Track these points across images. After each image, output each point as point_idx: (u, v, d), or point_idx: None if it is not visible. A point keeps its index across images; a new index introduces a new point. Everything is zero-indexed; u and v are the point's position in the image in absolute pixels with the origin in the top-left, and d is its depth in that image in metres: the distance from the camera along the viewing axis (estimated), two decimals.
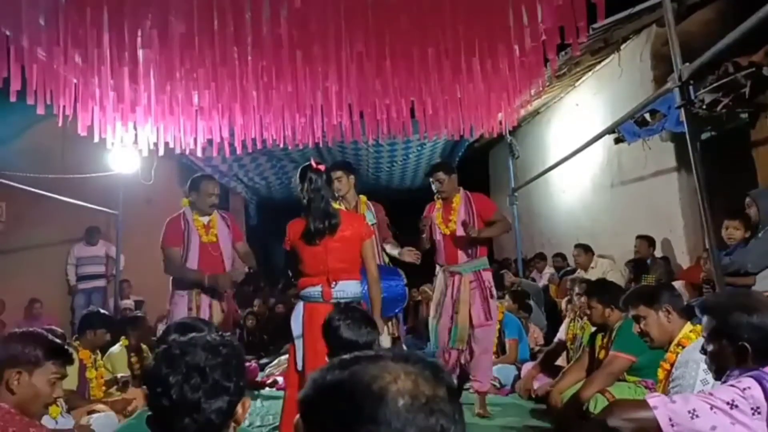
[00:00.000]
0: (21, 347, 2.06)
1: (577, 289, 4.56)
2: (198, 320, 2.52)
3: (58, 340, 2.22)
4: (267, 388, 5.61)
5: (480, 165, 11.23)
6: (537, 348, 5.75)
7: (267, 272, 11.24)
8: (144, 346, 4.98)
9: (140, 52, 3.83)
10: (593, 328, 3.89)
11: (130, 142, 5.28)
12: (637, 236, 6.06)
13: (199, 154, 5.59)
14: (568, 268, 7.25)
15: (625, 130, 6.11)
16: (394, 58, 4.14)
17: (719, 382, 2.13)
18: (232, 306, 4.26)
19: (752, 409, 1.58)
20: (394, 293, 3.84)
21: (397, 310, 4.17)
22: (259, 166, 8.96)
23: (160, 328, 6.35)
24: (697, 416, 1.60)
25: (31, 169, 6.26)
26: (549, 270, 7.94)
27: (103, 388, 4.22)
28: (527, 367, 4.85)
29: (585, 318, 4.19)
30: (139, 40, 3.64)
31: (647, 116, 5.76)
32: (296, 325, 3.24)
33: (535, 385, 4.49)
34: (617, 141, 6.74)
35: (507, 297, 5.95)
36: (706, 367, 2.21)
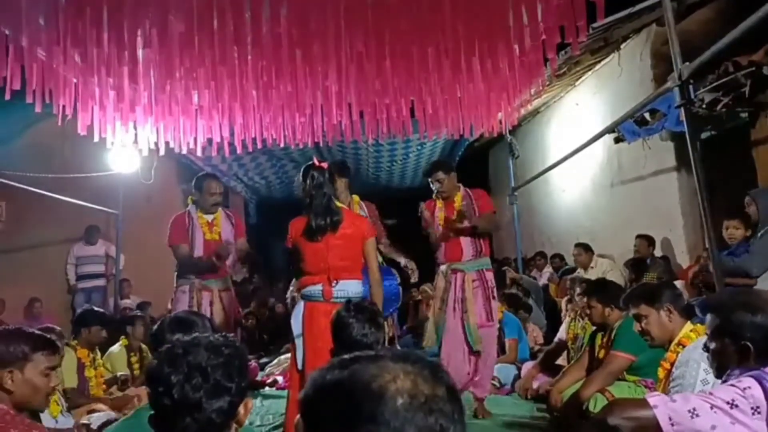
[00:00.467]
0: (5, 346, 2.05)
1: (578, 289, 4.55)
2: (192, 313, 2.52)
3: (38, 332, 2.22)
4: (267, 388, 5.61)
5: (480, 164, 11.23)
6: (537, 347, 5.74)
7: (266, 272, 11.24)
8: (144, 346, 4.98)
9: (140, 52, 3.83)
10: (593, 328, 3.89)
11: (130, 141, 5.29)
12: (637, 235, 6.05)
13: (198, 153, 5.60)
14: (568, 267, 7.25)
15: (625, 129, 6.11)
16: (394, 58, 4.13)
17: (720, 382, 2.13)
18: (234, 305, 4.27)
19: (752, 408, 1.58)
20: (387, 293, 3.82)
21: (391, 310, 4.15)
22: (258, 165, 8.96)
23: None
24: (697, 415, 1.60)
25: (31, 169, 6.26)
26: (549, 269, 7.94)
27: (103, 387, 4.22)
28: (527, 366, 4.85)
29: (585, 318, 4.18)
30: (138, 39, 3.64)
31: (647, 115, 5.75)
32: (296, 324, 3.23)
33: (535, 384, 4.48)
34: (617, 140, 6.73)
35: (503, 301, 5.87)
36: (706, 366, 2.21)
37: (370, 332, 2.40)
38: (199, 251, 4.08)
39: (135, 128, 5.05)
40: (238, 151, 5.65)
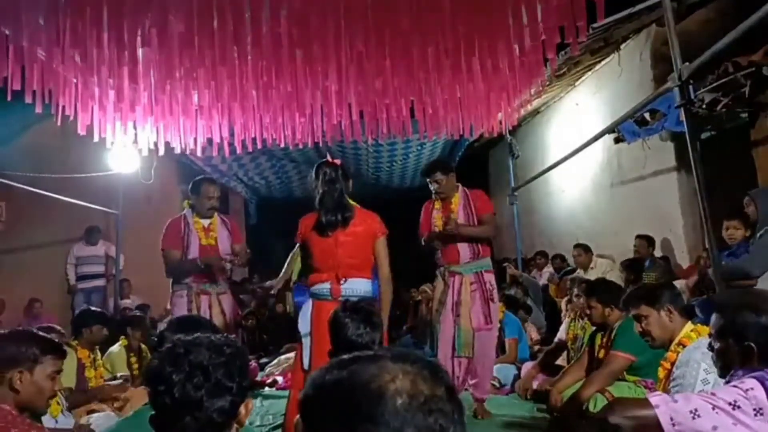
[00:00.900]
0: (17, 347, 2.10)
1: (576, 290, 4.55)
2: (199, 317, 2.53)
3: (49, 336, 2.27)
4: (267, 388, 5.61)
5: (480, 164, 11.23)
6: (536, 348, 5.74)
7: (266, 272, 11.23)
8: (144, 347, 4.98)
9: (140, 52, 3.83)
10: (593, 328, 3.89)
11: (129, 141, 5.28)
12: (637, 236, 6.06)
13: (198, 153, 5.60)
14: (568, 268, 7.25)
15: (624, 129, 6.11)
16: (394, 58, 4.13)
17: (722, 382, 2.13)
18: (233, 307, 4.25)
19: (755, 410, 1.57)
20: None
21: None
22: (258, 165, 8.96)
23: (161, 327, 6.35)
24: (698, 416, 1.60)
25: (31, 169, 6.26)
26: (549, 269, 7.94)
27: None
28: (527, 366, 4.85)
29: (585, 318, 4.18)
30: (138, 39, 3.64)
31: (647, 116, 5.75)
32: (304, 323, 3.20)
33: (535, 384, 4.48)
34: (617, 140, 6.74)
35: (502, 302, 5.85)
36: (707, 366, 2.21)
37: (365, 332, 2.37)
38: (194, 256, 4.03)
39: (135, 128, 5.05)
40: (238, 151, 5.65)
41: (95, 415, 3.51)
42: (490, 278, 4.19)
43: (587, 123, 7.32)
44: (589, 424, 2.05)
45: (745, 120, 5.42)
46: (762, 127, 5.30)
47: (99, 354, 4.34)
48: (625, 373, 3.41)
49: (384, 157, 8.78)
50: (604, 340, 3.62)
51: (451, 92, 4.99)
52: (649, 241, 5.98)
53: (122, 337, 4.95)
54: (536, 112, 8.99)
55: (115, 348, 4.89)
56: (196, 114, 4.99)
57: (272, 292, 3.61)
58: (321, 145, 5.69)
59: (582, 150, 5.80)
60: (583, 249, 6.62)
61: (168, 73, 4.13)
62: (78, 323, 4.17)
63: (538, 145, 9.15)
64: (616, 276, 5.94)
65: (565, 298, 5.61)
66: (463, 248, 4.15)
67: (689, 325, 2.50)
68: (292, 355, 6.25)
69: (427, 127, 5.40)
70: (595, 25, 5.01)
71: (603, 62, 7.12)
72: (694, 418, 1.60)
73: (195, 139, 5.32)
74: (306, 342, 3.15)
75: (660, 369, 2.55)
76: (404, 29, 3.76)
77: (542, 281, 7.71)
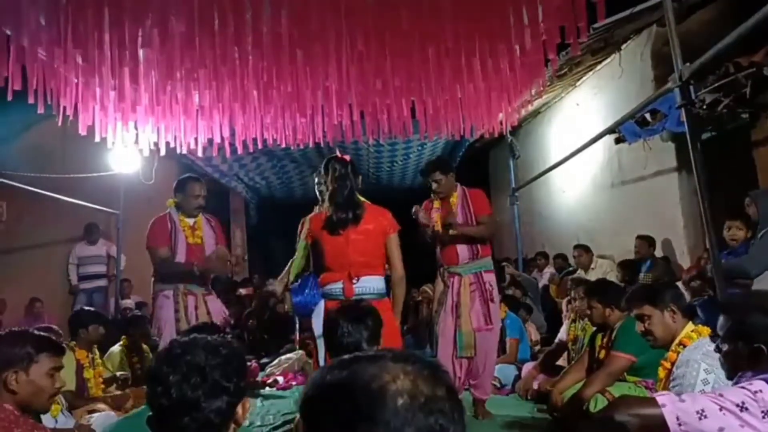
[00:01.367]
0: (10, 347, 2.08)
1: (573, 293, 4.55)
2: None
3: (44, 333, 2.25)
4: (267, 388, 5.61)
5: (480, 165, 11.24)
6: (537, 348, 5.74)
7: (267, 272, 11.24)
8: (145, 346, 4.99)
9: (141, 52, 3.84)
10: (594, 328, 3.89)
11: (131, 141, 5.29)
12: (637, 236, 6.06)
13: (199, 154, 5.60)
14: (569, 269, 7.25)
15: (625, 130, 6.11)
16: (395, 58, 4.14)
17: (722, 382, 2.13)
18: (219, 308, 4.16)
19: (762, 412, 1.56)
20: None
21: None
22: (259, 165, 8.97)
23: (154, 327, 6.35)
24: (705, 417, 1.59)
25: (32, 169, 6.26)
26: (549, 269, 7.94)
27: (102, 386, 4.22)
28: (528, 367, 4.85)
29: (586, 319, 4.18)
30: (139, 39, 3.65)
31: (648, 116, 5.75)
32: (318, 324, 3.15)
33: (536, 385, 4.48)
34: (618, 141, 6.74)
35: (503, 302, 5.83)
36: (707, 366, 2.21)
37: (352, 332, 2.32)
38: (181, 255, 3.93)
39: (136, 128, 5.06)
40: (239, 151, 5.66)
41: (95, 415, 3.51)
42: (489, 279, 4.15)
43: (588, 123, 7.32)
44: (594, 419, 2.04)
45: (745, 120, 5.42)
46: (763, 128, 5.31)
47: (98, 354, 4.33)
48: (625, 373, 3.41)
49: (385, 158, 8.80)
50: (605, 340, 3.62)
51: (452, 92, 4.99)
52: (649, 241, 5.98)
53: (123, 337, 4.96)
54: (537, 112, 8.99)
55: (116, 348, 4.90)
56: (197, 114, 4.99)
57: (279, 297, 3.53)
58: (322, 145, 5.68)
59: (583, 150, 5.80)
60: (584, 249, 6.63)
61: (169, 73, 4.13)
62: (74, 324, 4.14)
63: (538, 145, 9.15)
64: (616, 276, 5.95)
65: (566, 299, 5.61)
66: (462, 249, 4.12)
67: (690, 326, 2.50)
68: (292, 355, 6.26)
69: (428, 127, 5.40)
70: (595, 25, 5.01)
71: (604, 62, 7.12)
72: (700, 418, 1.59)
73: (196, 139, 5.33)
74: (320, 343, 3.09)
75: (660, 369, 2.55)
76: (405, 30, 3.76)
77: (543, 282, 7.71)
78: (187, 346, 1.37)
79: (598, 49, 6.59)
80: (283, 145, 5.58)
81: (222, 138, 5.28)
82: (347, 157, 3.31)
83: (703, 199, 3.14)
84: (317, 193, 3.39)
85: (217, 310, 4.07)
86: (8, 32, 3.50)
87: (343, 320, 2.36)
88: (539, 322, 6.50)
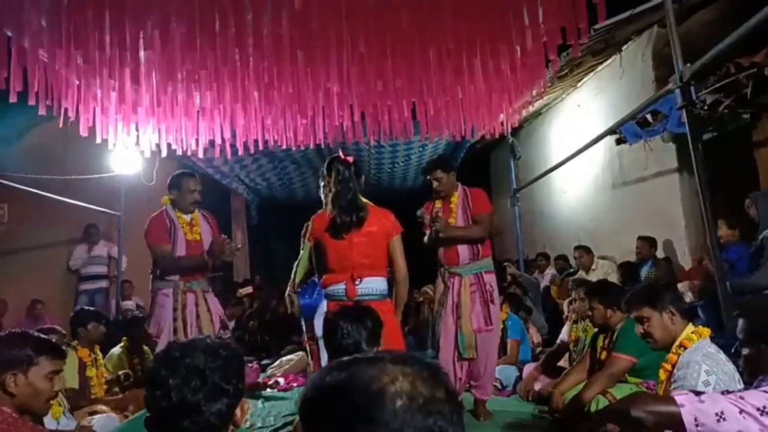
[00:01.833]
0: (10, 349, 2.07)
1: (574, 294, 4.54)
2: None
3: (45, 336, 2.23)
4: (268, 389, 5.61)
5: (481, 166, 11.24)
6: (538, 350, 5.73)
7: (268, 272, 11.25)
8: (146, 348, 4.98)
9: (142, 53, 3.84)
10: (595, 330, 3.89)
11: (132, 143, 5.29)
12: (639, 237, 6.05)
13: (200, 155, 5.61)
14: (570, 270, 7.25)
15: (626, 130, 6.11)
16: (396, 59, 4.14)
17: (723, 384, 2.12)
18: (217, 306, 4.14)
19: None
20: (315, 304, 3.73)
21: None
22: (260, 166, 8.98)
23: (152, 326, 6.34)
24: (724, 419, 1.57)
25: (34, 171, 6.27)
26: (551, 271, 7.93)
27: (105, 386, 4.22)
28: (529, 368, 4.84)
29: (587, 320, 4.17)
30: (140, 41, 3.65)
31: (649, 117, 5.75)
32: (320, 325, 3.11)
33: (537, 386, 4.47)
34: (619, 142, 6.73)
35: (505, 302, 5.81)
36: (707, 368, 2.21)
37: (353, 331, 2.32)
38: (181, 252, 3.88)
39: (137, 130, 5.07)
40: (240, 152, 5.66)
41: (97, 416, 3.51)
42: (490, 279, 4.12)
43: (589, 124, 7.32)
44: (609, 412, 2.01)
45: (746, 121, 5.42)
46: (764, 129, 5.30)
47: (100, 354, 4.34)
48: (627, 375, 3.40)
49: (386, 159, 8.80)
50: (606, 341, 3.62)
51: (453, 93, 5.00)
52: (650, 242, 5.98)
53: (124, 338, 4.96)
54: (538, 113, 8.99)
55: (117, 349, 4.90)
56: (198, 115, 5.00)
57: (295, 311, 3.49)
58: (323, 146, 5.68)
59: (584, 151, 5.80)
60: (585, 250, 6.62)
61: (170, 74, 4.14)
62: (74, 323, 4.16)
63: (539, 146, 9.15)
64: (617, 277, 5.94)
65: (567, 300, 5.60)
66: (462, 249, 4.08)
67: (690, 327, 2.50)
68: (293, 356, 6.25)
69: (429, 128, 5.40)
70: (596, 26, 5.02)
71: (605, 63, 7.12)
72: (719, 420, 1.57)
73: (197, 141, 5.33)
74: (322, 344, 3.11)
75: (661, 371, 2.55)
76: (406, 31, 3.76)
77: (544, 283, 7.70)
78: (186, 348, 1.37)
79: (599, 50, 6.60)
80: (284, 146, 5.58)
81: (223, 139, 5.28)
82: (350, 158, 3.28)
83: (704, 200, 3.14)
84: (322, 195, 3.35)
85: (216, 308, 4.04)
86: (9, 33, 3.50)
87: (342, 321, 2.36)
88: (540, 323, 6.49)
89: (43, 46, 3.67)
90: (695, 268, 5.50)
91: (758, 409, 1.55)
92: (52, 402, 2.24)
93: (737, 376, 2.21)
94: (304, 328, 3.35)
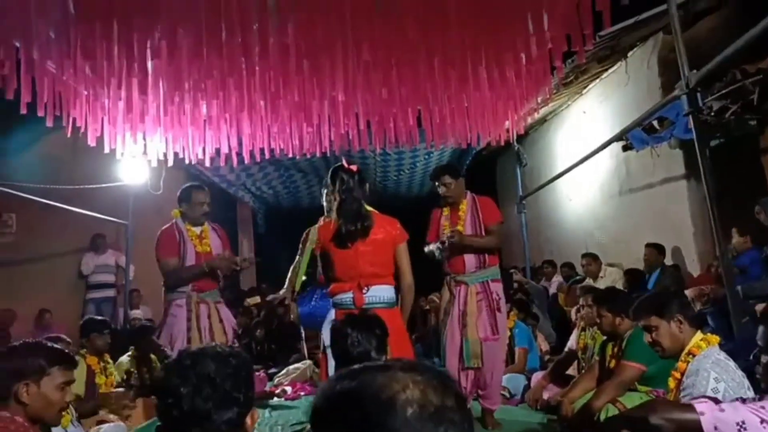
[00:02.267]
0: (23, 359, 2.07)
1: (581, 301, 4.52)
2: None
3: (58, 346, 2.24)
4: (275, 398, 5.60)
5: (487, 173, 11.23)
6: (547, 358, 5.70)
7: (275, 280, 11.23)
8: (153, 356, 4.99)
9: (149, 64, 3.87)
10: (604, 337, 3.87)
11: (139, 152, 5.32)
12: (646, 245, 6.02)
13: (207, 163, 5.63)
14: (578, 277, 7.21)
15: (633, 137, 6.09)
16: (401, 67, 4.15)
17: (732, 392, 2.10)
18: (230, 316, 4.17)
19: None
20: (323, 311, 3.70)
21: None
22: (267, 175, 9.01)
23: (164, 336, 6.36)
24: (744, 429, 1.54)
25: (42, 180, 6.31)
26: (557, 278, 7.90)
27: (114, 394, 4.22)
28: (537, 376, 4.81)
29: (595, 327, 4.15)
30: (148, 51, 3.68)
31: (655, 123, 5.74)
32: (327, 334, 3.06)
33: (545, 395, 4.44)
34: (625, 148, 6.72)
35: (513, 309, 5.79)
36: (716, 375, 2.19)
37: (363, 340, 2.31)
38: (191, 264, 3.91)
39: (144, 139, 5.09)
40: (246, 161, 5.68)
41: (105, 426, 3.51)
42: (497, 288, 4.09)
43: (595, 131, 7.32)
44: (627, 418, 1.98)
45: (753, 127, 5.40)
46: None
47: (111, 362, 4.35)
48: (636, 383, 3.38)
49: (391, 166, 8.81)
50: (615, 349, 3.59)
51: (458, 101, 5.00)
52: (658, 249, 5.94)
53: (131, 347, 4.96)
54: (543, 120, 8.99)
55: (125, 358, 4.91)
56: (204, 124, 5.02)
57: (286, 302, 3.50)
58: (328, 154, 5.70)
59: (590, 158, 5.79)
60: (592, 258, 6.59)
61: (177, 84, 4.17)
62: (81, 332, 4.19)
63: (545, 153, 9.15)
64: (623, 284, 5.91)
65: (575, 307, 5.57)
66: (469, 258, 4.06)
67: (699, 335, 2.48)
68: (300, 365, 6.25)
69: (434, 135, 5.40)
70: (601, 33, 5.02)
71: (610, 70, 7.12)
72: (740, 430, 1.53)
73: (203, 150, 5.36)
74: (330, 354, 3.10)
75: (670, 379, 2.53)
76: (411, 39, 3.78)
77: (551, 290, 7.68)
78: (197, 356, 1.37)
79: (604, 57, 6.60)
80: (290, 155, 5.60)
81: (229, 148, 5.30)
82: (354, 167, 3.28)
83: (712, 207, 3.12)
84: (324, 203, 3.36)
85: (228, 318, 4.08)
86: (18, 44, 3.54)
87: (351, 329, 2.34)
88: (547, 331, 6.46)
89: (52, 57, 3.71)
90: (704, 275, 5.47)
91: None
92: (63, 412, 2.24)
93: (746, 383, 2.19)
94: (303, 335, 3.36)
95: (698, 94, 3.23)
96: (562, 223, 8.95)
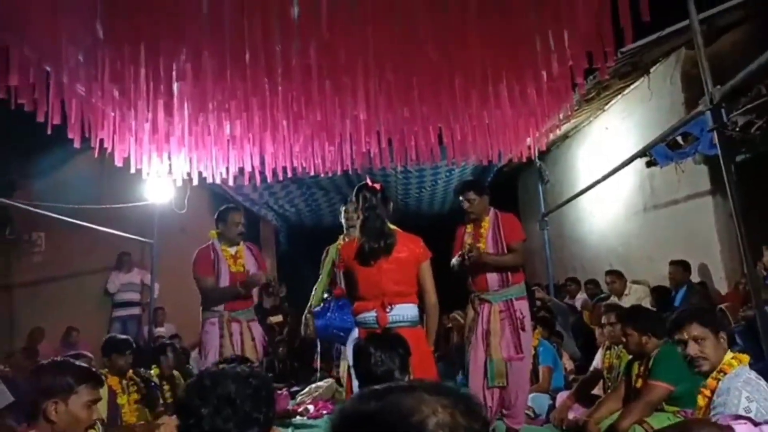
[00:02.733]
0: (52, 377, 2.10)
1: (604, 319, 4.45)
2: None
3: (85, 365, 2.27)
4: (298, 417, 5.59)
5: (509, 189, 11.18)
6: (572, 377, 5.61)
7: (297, 299, 11.26)
8: (176, 373, 5.02)
9: (175, 86, 3.95)
10: (630, 357, 3.80)
11: (164, 172, 5.41)
12: (671, 262, 5.90)
13: (230, 183, 5.70)
14: (602, 295, 7.11)
15: (657, 153, 6.03)
16: (422, 87, 4.18)
17: (765, 411, 2.06)
18: (261, 335, 4.32)
19: None
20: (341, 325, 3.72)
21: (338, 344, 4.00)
22: (289, 193, 9.07)
23: (193, 356, 6.40)
24: None
25: (70, 200, 6.43)
26: (582, 295, 7.80)
27: (137, 413, 4.23)
28: (562, 396, 4.74)
29: (621, 346, 4.08)
30: (173, 73, 3.76)
31: (679, 139, 5.68)
32: (352, 353, 3.18)
33: (571, 415, 4.37)
34: (649, 164, 6.65)
35: (538, 326, 5.73)
36: (748, 394, 2.15)
37: (387, 359, 2.31)
38: (224, 284, 4.14)
39: (169, 159, 5.18)
40: (269, 179, 5.74)
41: None
42: (521, 306, 4.04)
43: (617, 147, 7.25)
44: None
45: None
46: None
47: (137, 378, 4.36)
48: (664, 403, 3.31)
49: (413, 184, 8.81)
50: (642, 369, 3.53)
51: (479, 119, 5.01)
52: (684, 266, 5.83)
53: (154, 365, 5.00)
54: (565, 136, 8.94)
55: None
56: (228, 144, 5.10)
57: (310, 333, 3.62)
58: (350, 172, 5.73)
59: (614, 174, 5.73)
60: (617, 275, 6.48)
61: (201, 105, 4.24)
62: (102, 351, 4.22)
63: (567, 169, 9.09)
64: (650, 302, 5.82)
65: (600, 325, 5.49)
66: (491, 276, 4.03)
67: (729, 353, 2.44)
68: (323, 383, 6.22)
69: (456, 153, 5.41)
70: (623, 49, 4.99)
71: (632, 86, 7.07)
72: None
73: (227, 169, 5.43)
74: (354, 373, 3.10)
75: (700, 397, 2.48)
76: (432, 59, 3.80)
77: (577, 307, 7.57)
78: (217, 377, 1.38)
79: (626, 73, 6.56)
80: (312, 173, 5.65)
81: (252, 167, 5.37)
82: (378, 186, 3.29)
83: (740, 223, 3.07)
84: (343, 221, 3.39)
85: (260, 336, 4.30)
86: (48, 68, 3.64)
87: (374, 349, 2.34)
88: (571, 350, 6.37)
89: (80, 81, 3.80)
90: (732, 293, 5.36)
91: None
92: (90, 431, 2.26)
93: None
94: (319, 348, 3.39)
95: (723, 110, 3.19)
96: (586, 240, 8.86)
